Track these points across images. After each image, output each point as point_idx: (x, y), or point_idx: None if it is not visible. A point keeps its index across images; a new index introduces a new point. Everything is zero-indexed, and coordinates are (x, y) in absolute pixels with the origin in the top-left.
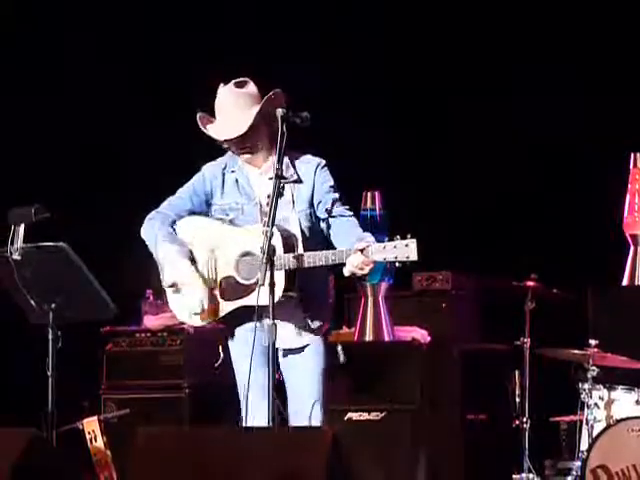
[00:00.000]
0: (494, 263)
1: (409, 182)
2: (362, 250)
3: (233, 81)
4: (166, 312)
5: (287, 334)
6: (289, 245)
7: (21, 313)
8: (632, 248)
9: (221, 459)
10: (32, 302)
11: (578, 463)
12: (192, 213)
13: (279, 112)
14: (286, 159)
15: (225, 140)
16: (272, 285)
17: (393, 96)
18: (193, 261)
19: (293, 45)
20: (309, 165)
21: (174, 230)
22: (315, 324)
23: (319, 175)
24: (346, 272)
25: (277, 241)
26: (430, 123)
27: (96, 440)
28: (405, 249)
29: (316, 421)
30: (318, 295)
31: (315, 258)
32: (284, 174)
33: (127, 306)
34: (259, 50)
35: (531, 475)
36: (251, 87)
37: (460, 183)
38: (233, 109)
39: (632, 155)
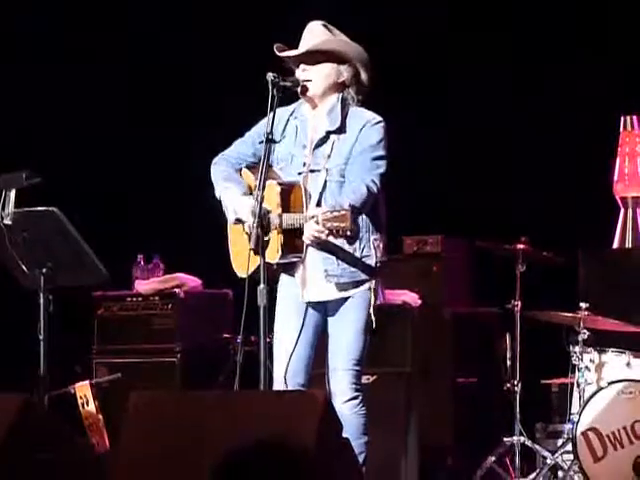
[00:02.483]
0: (485, 226)
1: (398, 147)
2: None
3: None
4: (157, 276)
5: (317, 288)
6: (292, 203)
7: (12, 277)
8: (622, 211)
9: (213, 422)
10: (23, 267)
11: (569, 426)
12: (256, 157)
13: (269, 76)
14: (338, 111)
15: (294, 58)
16: (263, 249)
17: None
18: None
19: None
20: (359, 120)
21: (238, 172)
22: (341, 280)
23: (365, 131)
24: (305, 240)
25: (274, 201)
26: (421, 84)
27: (88, 404)
28: (341, 217)
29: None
30: (343, 253)
31: (289, 219)
32: (331, 126)
33: (118, 270)
34: None
35: (522, 438)
36: (336, 33)
37: (449, 147)
38: (315, 34)
39: (622, 118)
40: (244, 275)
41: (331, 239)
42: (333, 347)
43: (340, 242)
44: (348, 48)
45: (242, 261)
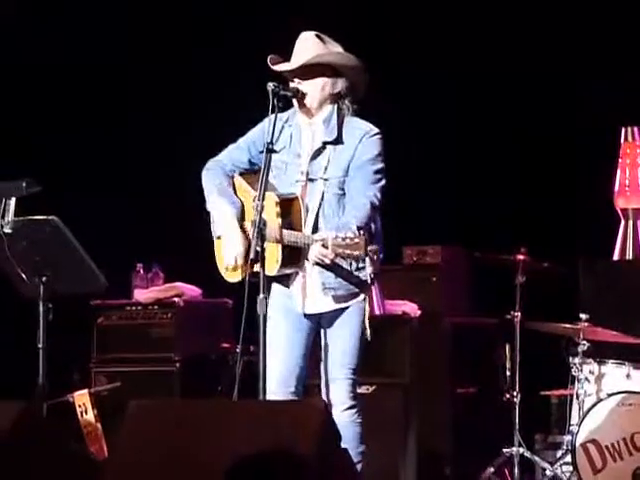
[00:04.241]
0: (484, 237)
1: (399, 158)
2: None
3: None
4: (157, 285)
5: (314, 300)
6: (291, 216)
7: (12, 286)
8: (622, 222)
9: (212, 431)
10: (23, 275)
11: (568, 437)
12: (251, 163)
13: (269, 85)
14: (334, 121)
15: (288, 71)
16: (262, 259)
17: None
18: (242, 217)
19: None
20: (356, 132)
21: (231, 179)
22: (338, 292)
23: (363, 144)
24: (310, 261)
25: (272, 212)
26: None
27: (87, 413)
28: (355, 245)
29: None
30: (340, 266)
31: (291, 237)
32: (327, 137)
33: (118, 279)
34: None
35: (521, 449)
36: (330, 43)
37: (449, 157)
38: (309, 46)
39: (623, 129)
40: (232, 280)
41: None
42: (330, 357)
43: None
44: (342, 60)
45: (230, 268)
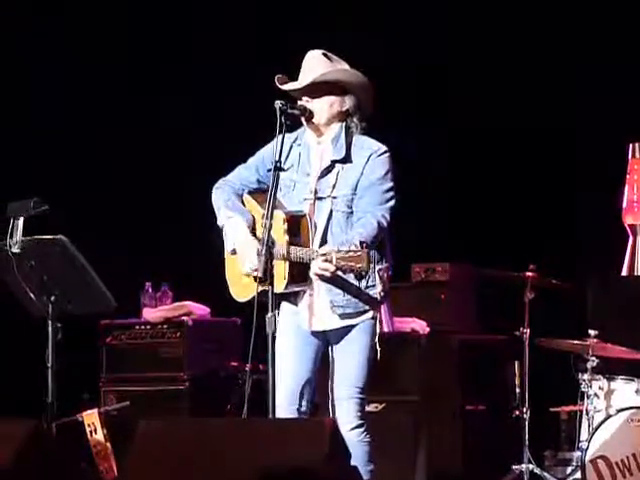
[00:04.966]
0: (493, 254)
1: (405, 174)
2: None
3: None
4: (165, 304)
5: (321, 317)
6: (299, 233)
7: (21, 305)
8: (631, 238)
9: (221, 450)
10: (31, 295)
11: (578, 453)
12: (259, 183)
13: (277, 104)
14: (343, 139)
15: (297, 90)
16: (271, 277)
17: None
18: (254, 230)
19: None
20: (365, 151)
21: (240, 197)
22: (346, 310)
23: (371, 163)
24: (311, 275)
25: (280, 229)
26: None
27: (96, 432)
28: (357, 258)
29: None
30: (349, 284)
31: (297, 252)
32: (336, 156)
33: (126, 298)
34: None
35: (531, 466)
36: (337, 61)
37: (457, 174)
38: (316, 64)
39: (631, 146)
40: (242, 300)
41: (339, 273)
42: (338, 375)
43: (346, 275)
44: (350, 77)
45: (240, 286)
